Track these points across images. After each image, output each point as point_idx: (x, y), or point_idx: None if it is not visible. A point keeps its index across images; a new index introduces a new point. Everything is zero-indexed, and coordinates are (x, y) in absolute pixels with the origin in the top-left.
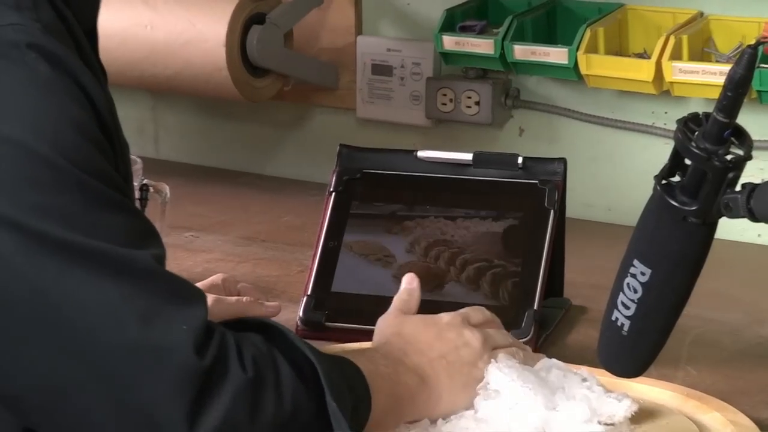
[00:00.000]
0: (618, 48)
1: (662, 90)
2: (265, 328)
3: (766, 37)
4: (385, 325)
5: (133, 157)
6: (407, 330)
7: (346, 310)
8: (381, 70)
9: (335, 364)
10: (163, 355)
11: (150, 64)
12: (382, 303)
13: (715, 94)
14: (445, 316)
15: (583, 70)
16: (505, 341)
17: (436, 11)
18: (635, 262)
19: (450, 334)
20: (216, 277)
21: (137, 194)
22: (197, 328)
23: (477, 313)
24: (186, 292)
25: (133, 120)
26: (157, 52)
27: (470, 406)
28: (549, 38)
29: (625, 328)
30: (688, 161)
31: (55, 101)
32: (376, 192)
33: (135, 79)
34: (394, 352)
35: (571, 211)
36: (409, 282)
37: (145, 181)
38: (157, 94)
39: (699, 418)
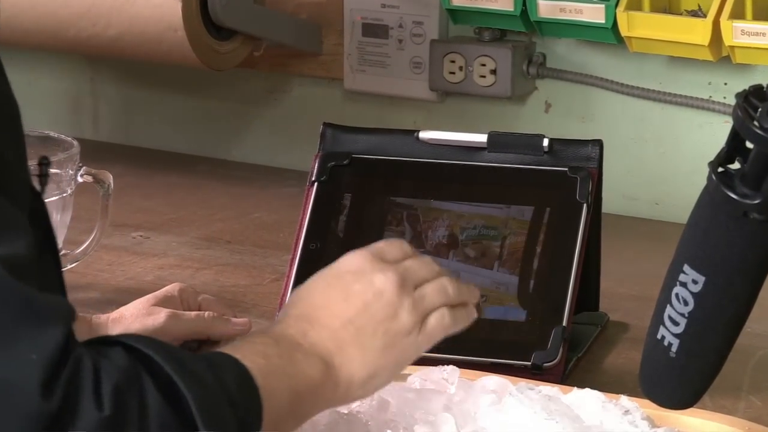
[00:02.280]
0: (667, 4)
1: (721, 56)
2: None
3: None
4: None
5: (67, 139)
6: (310, 294)
7: None
8: (374, 30)
9: (215, 378)
10: (7, 390)
11: (88, 23)
12: None
13: None
14: (352, 262)
15: (623, 32)
16: (429, 273)
17: None
18: (686, 267)
19: (357, 287)
20: (171, 288)
21: (35, 169)
22: (48, 357)
23: (393, 247)
24: (40, 309)
25: (67, 93)
26: (96, 7)
27: (401, 367)
28: None
29: (674, 348)
30: (749, 144)
31: None
32: (368, 182)
33: (69, 41)
34: (290, 332)
35: (608, 206)
36: None
37: (83, 169)
38: (97, 61)
39: None
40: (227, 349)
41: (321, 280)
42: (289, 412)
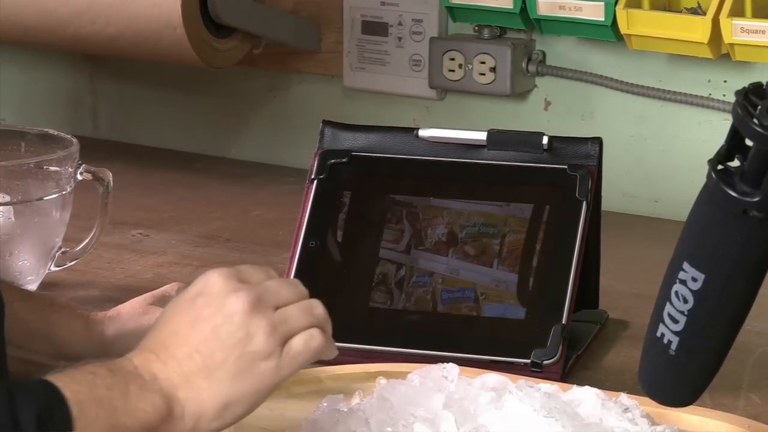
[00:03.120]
0: (666, 2)
1: (720, 54)
2: None
3: None
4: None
5: (67, 137)
6: (163, 320)
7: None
8: (373, 28)
9: (9, 415)
10: None
11: (88, 21)
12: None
13: None
14: (206, 284)
15: (623, 29)
16: (293, 294)
17: None
18: (685, 265)
19: (207, 311)
20: (170, 287)
21: None
22: None
23: (255, 269)
24: None
25: (67, 91)
26: (97, 4)
27: (263, 394)
28: None
29: (673, 346)
30: (749, 142)
31: None
32: (367, 179)
33: (69, 39)
34: (135, 362)
35: (608, 203)
36: None
37: (82, 167)
38: (97, 59)
39: None
40: (55, 376)
41: (175, 304)
42: None
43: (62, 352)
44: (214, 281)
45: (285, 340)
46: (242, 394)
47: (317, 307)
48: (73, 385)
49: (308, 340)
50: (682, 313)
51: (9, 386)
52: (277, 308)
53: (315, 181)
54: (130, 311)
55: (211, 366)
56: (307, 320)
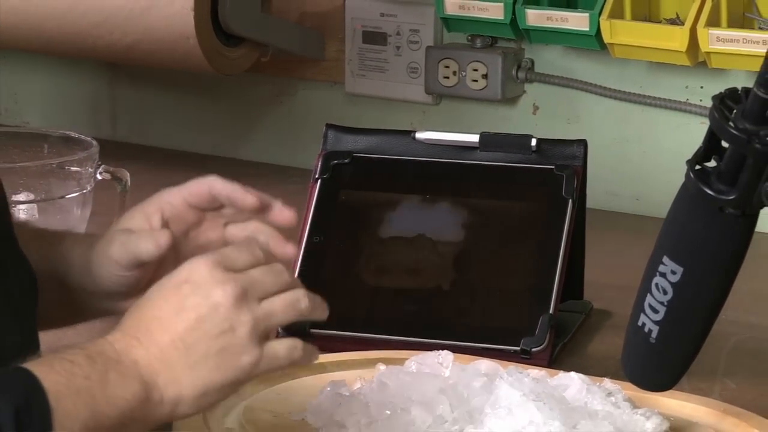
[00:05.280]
0: (647, 13)
1: (697, 61)
2: None
3: None
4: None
5: (87, 139)
6: (147, 303)
7: (334, 314)
8: (373, 37)
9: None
10: None
11: (106, 31)
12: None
13: (758, 66)
14: (192, 271)
15: (606, 39)
16: (279, 284)
17: None
18: (665, 259)
19: (192, 300)
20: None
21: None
22: None
23: (242, 253)
24: None
25: (86, 96)
26: (114, 17)
27: (238, 385)
28: (568, 1)
29: (654, 334)
30: (725, 144)
31: None
32: (368, 179)
33: (88, 48)
34: (116, 347)
35: (592, 201)
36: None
37: (101, 167)
38: (115, 66)
39: None
40: (33, 364)
41: (160, 289)
42: None
43: (60, 288)
44: (200, 269)
45: (267, 335)
46: (220, 384)
47: (302, 301)
48: (52, 375)
49: (291, 351)
50: (661, 303)
51: None
52: (262, 299)
53: (319, 181)
54: (109, 256)
55: (193, 355)
56: (291, 315)
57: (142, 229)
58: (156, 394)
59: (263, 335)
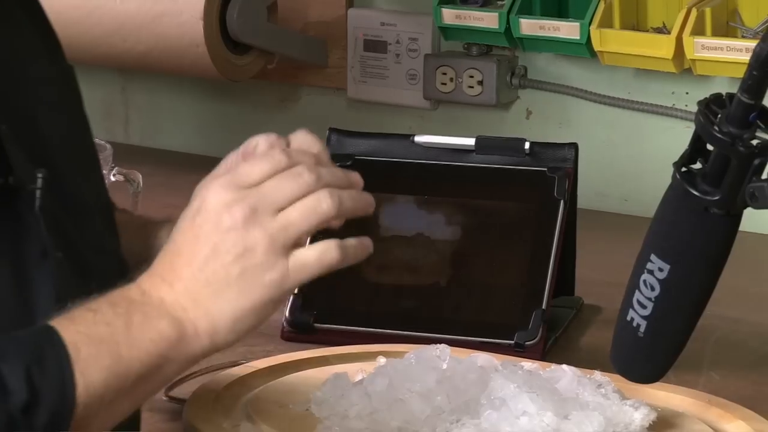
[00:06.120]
0: (635, 22)
1: (683, 68)
2: None
3: None
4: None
5: (101, 142)
6: (172, 239)
7: (337, 310)
8: (374, 46)
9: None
10: None
11: (120, 40)
12: (377, 302)
13: (741, 72)
14: (206, 196)
15: (596, 47)
16: (298, 189)
17: None
18: (652, 257)
19: (207, 227)
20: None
21: None
22: None
23: (255, 165)
24: None
25: (101, 101)
26: (127, 25)
27: (273, 303)
28: (559, 11)
29: (642, 329)
30: (710, 147)
31: None
32: (369, 180)
33: (103, 55)
34: (143, 287)
35: (583, 202)
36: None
37: (115, 169)
38: (128, 73)
39: (722, 428)
40: (58, 318)
41: (180, 222)
42: (121, 376)
43: None
44: (210, 195)
45: (290, 247)
46: (251, 306)
47: (323, 202)
48: (71, 326)
49: (323, 254)
50: (649, 299)
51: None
52: (279, 210)
53: None
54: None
55: (216, 283)
56: (313, 220)
57: None
58: (189, 328)
59: (286, 248)
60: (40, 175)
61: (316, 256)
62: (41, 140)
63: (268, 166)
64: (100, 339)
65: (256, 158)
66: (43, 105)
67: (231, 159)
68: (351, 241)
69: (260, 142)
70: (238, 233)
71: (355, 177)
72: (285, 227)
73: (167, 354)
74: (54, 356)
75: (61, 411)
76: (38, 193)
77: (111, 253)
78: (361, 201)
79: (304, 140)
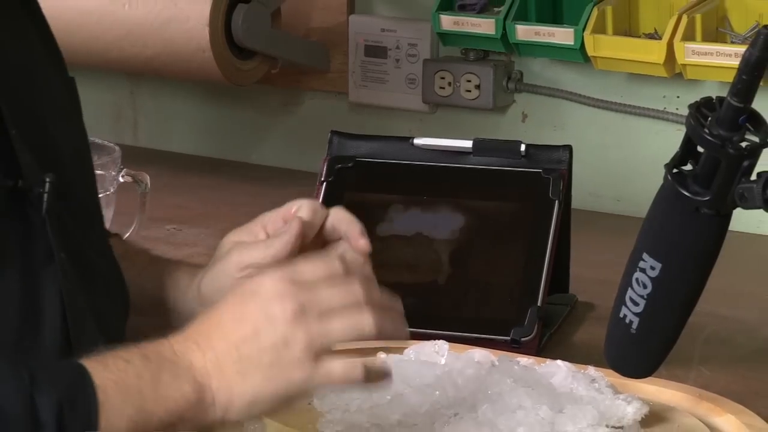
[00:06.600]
0: (627, 28)
1: (674, 73)
2: None
3: None
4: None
5: (110, 144)
6: (215, 309)
7: None
8: (375, 51)
9: (23, 404)
10: None
11: (128, 45)
12: None
13: (730, 77)
14: (262, 282)
15: (590, 52)
16: (341, 302)
17: None
18: (645, 255)
19: (253, 311)
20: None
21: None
22: None
23: (314, 265)
24: None
25: (110, 105)
26: (135, 31)
27: (290, 398)
28: (554, 17)
29: (634, 325)
30: (700, 149)
31: None
32: (369, 182)
33: (112, 60)
34: (175, 348)
35: (577, 202)
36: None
37: (124, 171)
38: (136, 77)
39: (712, 421)
40: (90, 359)
41: (228, 298)
42: (146, 430)
43: (170, 314)
44: (267, 281)
45: (321, 354)
46: (270, 394)
47: (366, 325)
48: (104, 371)
49: (348, 372)
50: (642, 297)
51: (33, 370)
52: (324, 315)
53: (324, 183)
54: (225, 268)
55: (246, 364)
56: (351, 336)
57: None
58: (208, 396)
59: (320, 352)
60: (48, 179)
61: (342, 372)
62: (50, 146)
63: (325, 272)
64: (127, 389)
65: (316, 258)
66: (52, 113)
67: (267, 218)
68: (375, 367)
69: (303, 206)
70: (284, 325)
71: (398, 304)
72: (325, 334)
73: (184, 415)
74: (84, 398)
75: None
76: (45, 196)
77: (111, 256)
78: (398, 331)
79: (343, 217)
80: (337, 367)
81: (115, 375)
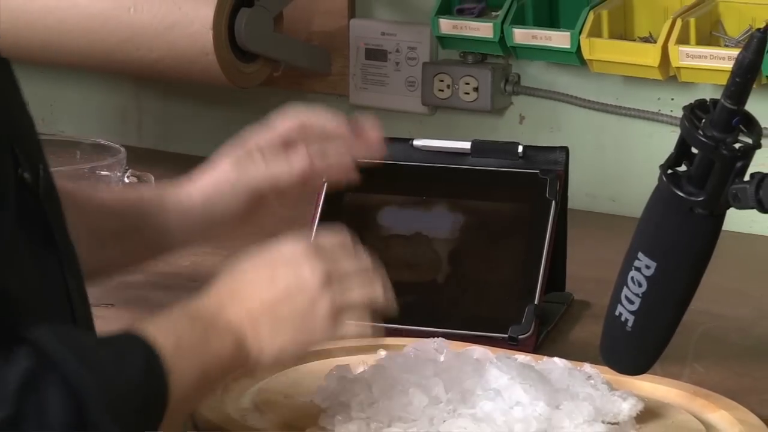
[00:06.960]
0: (622, 31)
1: (669, 75)
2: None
3: None
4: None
5: (115, 146)
6: (243, 269)
7: None
8: (375, 54)
9: (119, 371)
10: None
11: (133, 48)
12: None
13: (724, 79)
14: (288, 249)
15: (586, 55)
16: (357, 278)
17: None
18: (640, 255)
19: (284, 275)
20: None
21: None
22: None
23: (328, 237)
24: None
25: (115, 107)
26: (140, 35)
27: (307, 349)
28: (551, 21)
29: (629, 323)
30: (694, 150)
31: None
32: (370, 182)
33: (117, 63)
34: (212, 305)
35: (573, 202)
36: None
37: (129, 172)
38: (141, 80)
39: (706, 417)
40: (142, 327)
41: (258, 259)
42: (197, 388)
43: (157, 246)
44: (296, 249)
45: (341, 314)
46: (296, 345)
47: (378, 300)
48: (163, 337)
49: (361, 331)
50: (637, 295)
51: (111, 340)
52: (342, 280)
53: (325, 184)
54: (220, 175)
55: (278, 322)
56: (364, 299)
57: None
58: (244, 349)
59: (336, 314)
60: (40, 166)
61: (356, 331)
62: (34, 138)
63: (340, 243)
64: (190, 351)
65: (330, 234)
66: (22, 103)
67: (259, 139)
68: (380, 326)
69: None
70: (313, 289)
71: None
72: (345, 298)
73: (225, 367)
74: (157, 365)
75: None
76: (41, 183)
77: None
78: (392, 306)
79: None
80: (352, 328)
81: (174, 337)
